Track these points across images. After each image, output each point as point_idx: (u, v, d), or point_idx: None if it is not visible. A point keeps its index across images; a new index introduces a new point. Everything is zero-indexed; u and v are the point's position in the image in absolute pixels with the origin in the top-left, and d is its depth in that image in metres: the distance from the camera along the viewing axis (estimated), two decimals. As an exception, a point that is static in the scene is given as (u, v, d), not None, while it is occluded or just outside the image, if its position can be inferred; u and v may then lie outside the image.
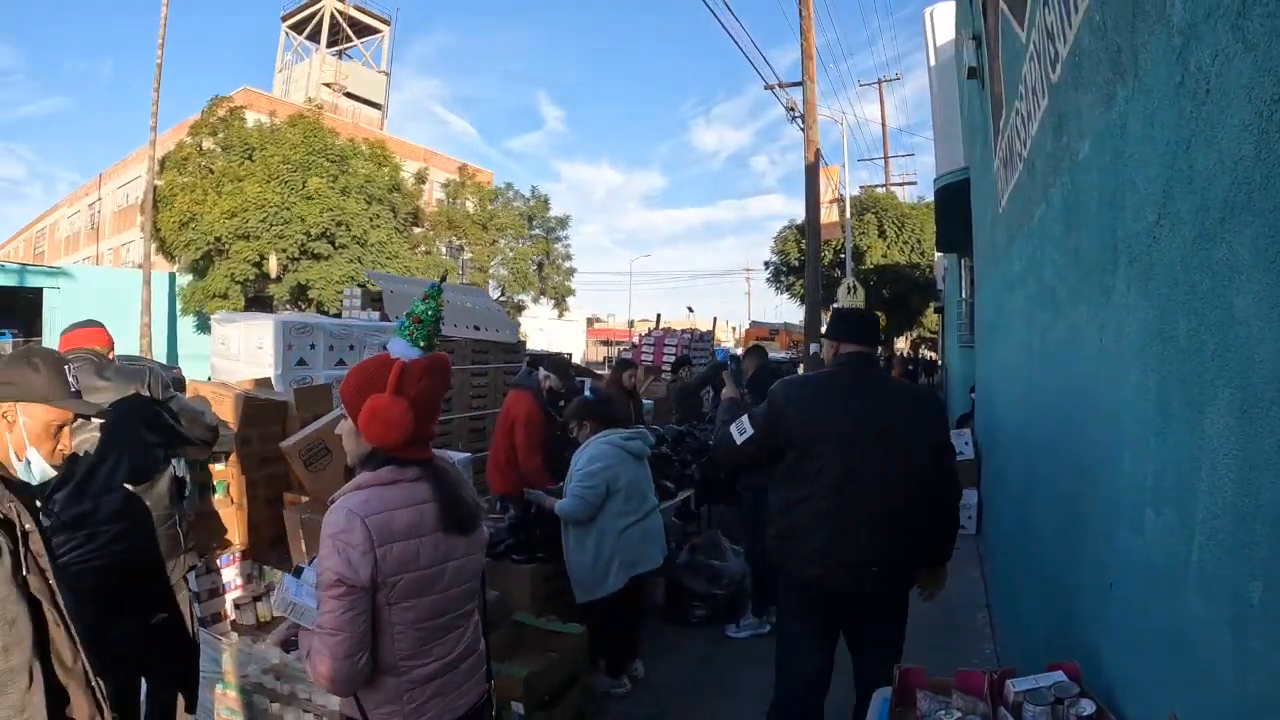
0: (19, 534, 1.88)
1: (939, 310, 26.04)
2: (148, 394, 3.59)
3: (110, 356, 3.81)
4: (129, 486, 3.40)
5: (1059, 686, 2.37)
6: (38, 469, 2.09)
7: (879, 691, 2.76)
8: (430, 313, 2.26)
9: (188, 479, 4.00)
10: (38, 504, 2.14)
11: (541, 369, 6.27)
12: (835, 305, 5.25)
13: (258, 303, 27.72)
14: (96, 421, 3.29)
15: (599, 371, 16.25)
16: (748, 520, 6.12)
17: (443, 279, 2.54)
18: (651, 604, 6.16)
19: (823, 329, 5.61)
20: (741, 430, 3.48)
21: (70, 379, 2.17)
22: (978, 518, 7.57)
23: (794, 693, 3.49)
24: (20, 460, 2.06)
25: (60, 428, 2.14)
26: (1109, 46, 2.34)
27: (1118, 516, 2.34)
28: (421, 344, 2.23)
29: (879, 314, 30.78)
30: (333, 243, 27.38)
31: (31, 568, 1.87)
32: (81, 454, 3.32)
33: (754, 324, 42.74)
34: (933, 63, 14.66)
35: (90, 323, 3.92)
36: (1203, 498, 1.67)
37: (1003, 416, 5.26)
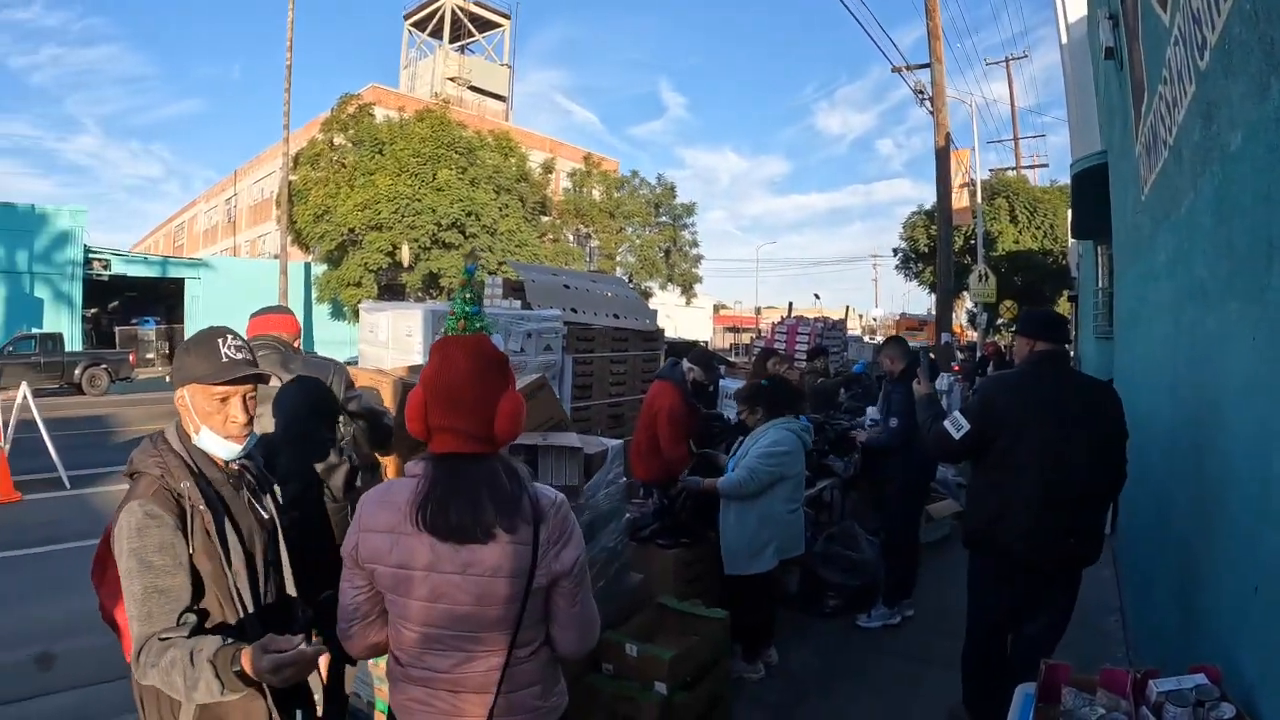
0: (188, 511, 2.08)
1: (1073, 299, 25.15)
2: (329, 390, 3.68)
3: (296, 345, 3.91)
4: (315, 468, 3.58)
5: (1201, 689, 2.33)
6: (211, 443, 2.20)
7: (1021, 687, 2.78)
8: (466, 296, 2.23)
9: (359, 467, 4.07)
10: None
11: (686, 361, 6.32)
12: (1026, 311, 5.27)
13: (390, 291, 28.63)
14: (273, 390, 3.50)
15: (732, 360, 16.23)
16: (888, 512, 6.18)
17: (471, 254, 2.41)
18: (785, 593, 6.17)
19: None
20: (959, 427, 3.93)
21: (225, 350, 2.19)
22: (1112, 517, 7.31)
23: (986, 634, 4.09)
24: (197, 436, 2.20)
25: (223, 400, 2.19)
26: (1262, 38, 2.27)
27: (1266, 517, 2.28)
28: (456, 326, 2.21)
29: (1010, 302, 30.04)
30: (463, 232, 28.04)
31: (199, 546, 2.06)
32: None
33: (904, 315, 42.42)
34: (1064, 40, 14.16)
35: (279, 309, 4.03)
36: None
37: (1142, 411, 5.09)
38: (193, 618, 2.01)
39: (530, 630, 2.01)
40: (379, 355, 6.41)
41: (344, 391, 3.74)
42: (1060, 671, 2.70)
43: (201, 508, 2.10)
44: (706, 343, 25.32)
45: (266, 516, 2.38)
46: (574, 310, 7.73)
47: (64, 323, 28.31)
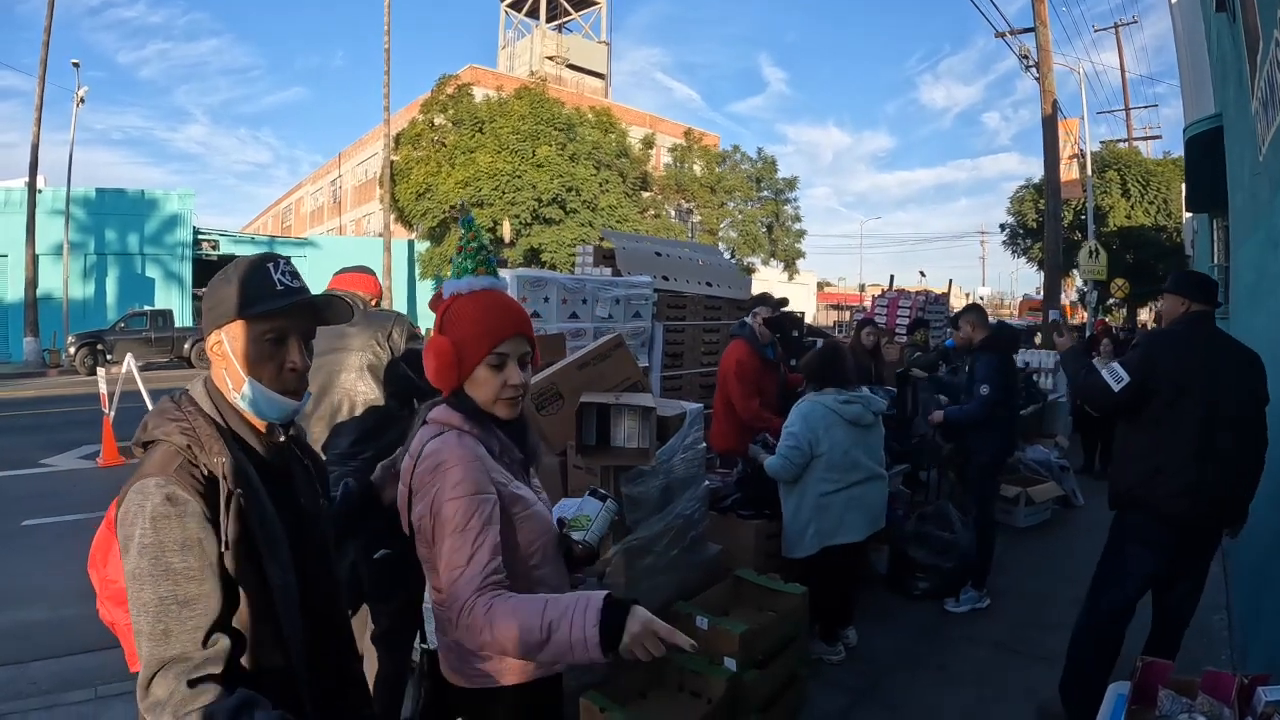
0: (222, 495, 1.56)
1: (1187, 278, 24.13)
2: (388, 341, 3.66)
3: (374, 304, 3.92)
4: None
5: (1314, 702, 2.12)
6: (261, 399, 1.69)
7: (1114, 685, 2.57)
8: (468, 246, 2.07)
9: None
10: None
11: (754, 311, 6.08)
12: (1179, 271, 5.07)
13: (492, 265, 29.03)
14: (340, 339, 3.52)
15: (832, 335, 15.99)
16: (975, 492, 5.92)
17: (462, 207, 2.24)
18: (874, 572, 6.03)
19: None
20: (1118, 379, 3.85)
21: (279, 276, 1.72)
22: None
23: (1118, 610, 3.91)
24: (239, 393, 1.69)
25: (278, 341, 1.71)
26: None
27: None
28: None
29: (1122, 280, 29.00)
30: (564, 208, 28.25)
31: (231, 543, 1.55)
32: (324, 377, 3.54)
33: (1026, 297, 42.28)
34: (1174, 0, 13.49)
35: (361, 268, 4.03)
36: None
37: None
38: (225, 640, 1.51)
39: (430, 574, 1.97)
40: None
41: (405, 341, 3.71)
42: (1158, 670, 2.50)
43: (240, 490, 1.59)
44: (802, 314, 25.10)
45: (322, 505, 1.90)
46: (665, 278, 7.58)
47: (174, 300, 29.72)
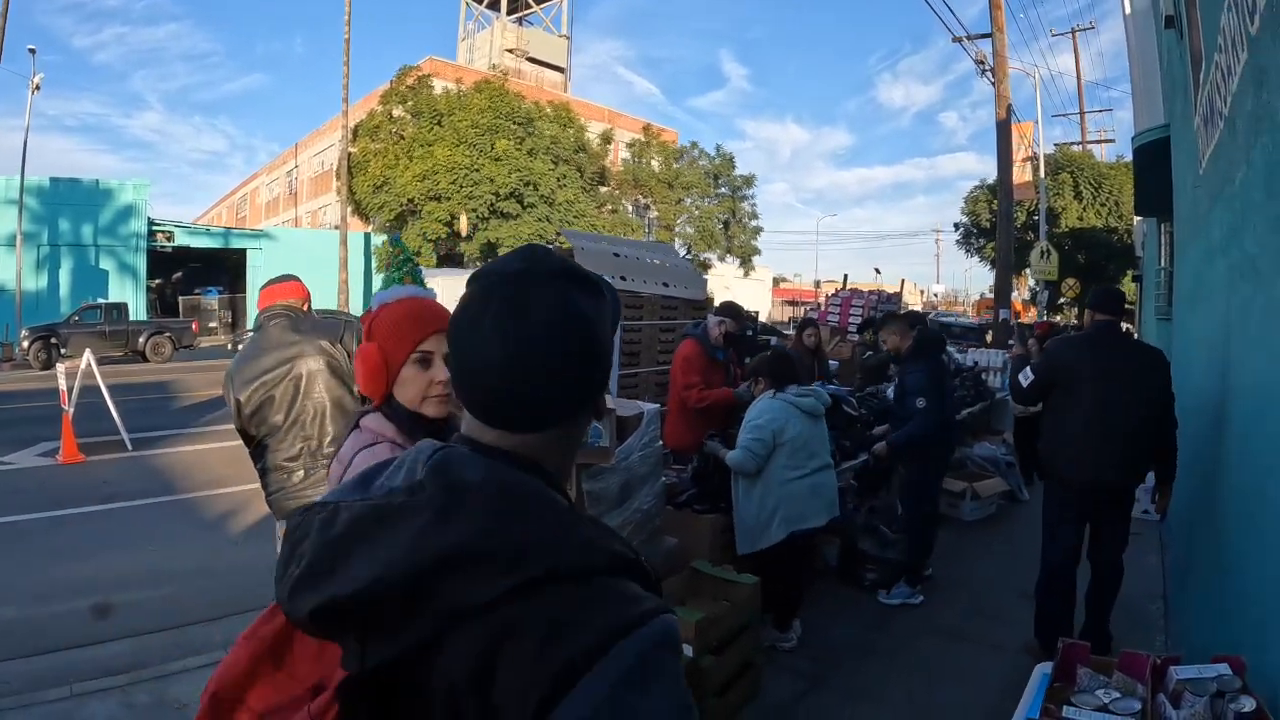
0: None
1: (1137, 279, 24.59)
2: (340, 344, 3.77)
3: (305, 309, 3.97)
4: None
5: (1222, 680, 2.31)
6: None
7: (1040, 666, 2.76)
8: (395, 261, 2.14)
9: None
10: None
11: (712, 315, 6.20)
12: (1096, 287, 5.44)
13: (449, 260, 28.91)
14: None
15: (786, 332, 16.19)
16: (906, 492, 6.10)
17: (390, 226, 2.30)
18: (825, 564, 6.18)
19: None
20: (1027, 378, 5.09)
21: None
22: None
23: (1056, 566, 4.81)
24: None
25: None
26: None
27: (1309, 509, 2.24)
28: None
29: (1073, 280, 29.47)
30: (521, 202, 28.22)
31: None
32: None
33: (982, 296, 42.78)
34: (1128, 10, 13.79)
35: (286, 278, 4.07)
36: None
37: (1195, 396, 5.02)
38: None
39: None
40: (432, 321, 6.48)
41: (355, 345, 3.78)
42: (1078, 651, 2.68)
43: None
44: (756, 314, 25.22)
45: None
46: (623, 278, 7.71)
47: (129, 293, 29.09)
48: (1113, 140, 37.79)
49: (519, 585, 0.86)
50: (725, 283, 44.13)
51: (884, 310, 11.86)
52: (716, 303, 7.06)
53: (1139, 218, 20.35)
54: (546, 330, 1.00)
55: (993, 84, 18.30)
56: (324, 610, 0.90)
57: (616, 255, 8.19)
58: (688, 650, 3.83)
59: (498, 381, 1.00)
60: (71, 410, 10.02)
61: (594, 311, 1.05)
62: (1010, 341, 14.74)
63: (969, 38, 19.24)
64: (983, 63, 18.99)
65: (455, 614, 0.86)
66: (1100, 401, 4.53)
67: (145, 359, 23.76)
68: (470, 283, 1.06)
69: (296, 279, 4.08)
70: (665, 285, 8.21)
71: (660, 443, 4.44)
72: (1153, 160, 9.69)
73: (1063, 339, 5.41)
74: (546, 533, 0.92)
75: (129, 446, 10.38)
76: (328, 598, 0.89)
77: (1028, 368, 5.20)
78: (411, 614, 0.87)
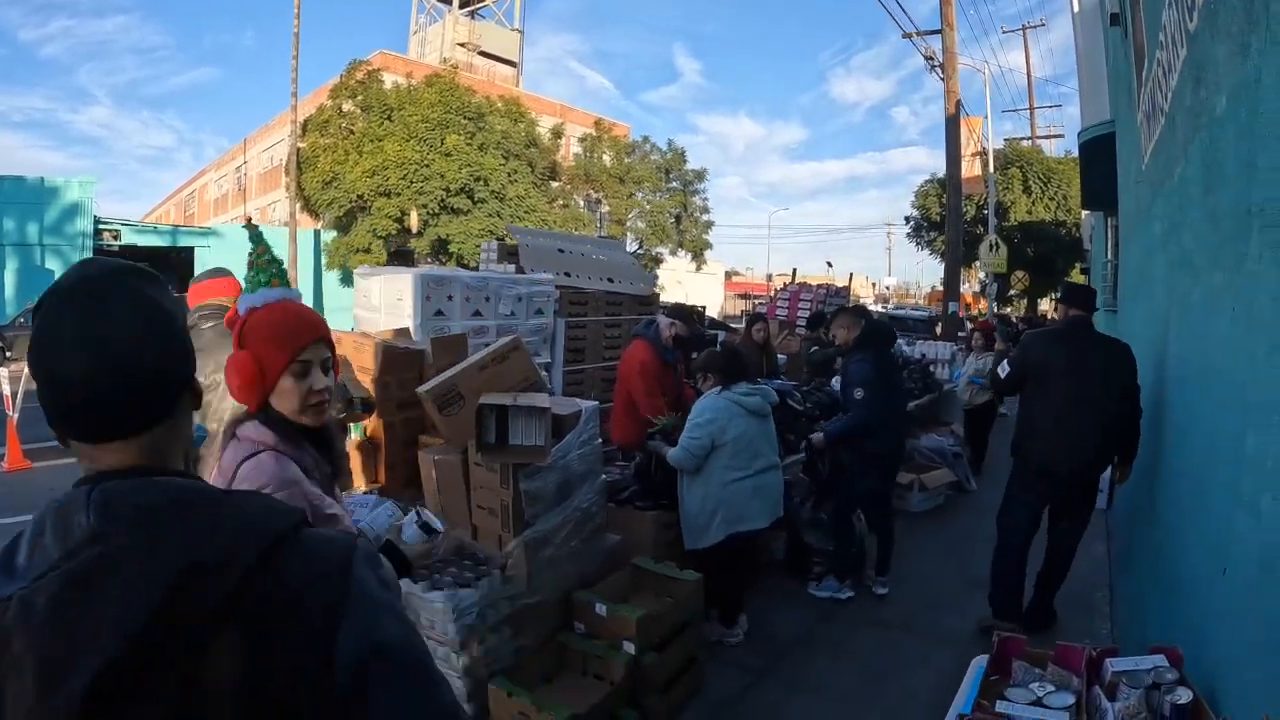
0: None
1: (1085, 271, 24.93)
2: None
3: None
4: None
5: (1158, 671, 2.29)
6: None
7: (977, 659, 2.75)
8: (259, 260, 2.10)
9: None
10: None
11: (663, 316, 6.14)
12: (1067, 283, 5.71)
13: (400, 257, 28.61)
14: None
15: (735, 325, 16.21)
16: (839, 492, 5.97)
17: (251, 226, 2.27)
18: (772, 557, 6.16)
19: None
20: (1003, 370, 5.34)
21: None
22: (1110, 492, 7.23)
23: (1013, 542, 5.11)
24: None
25: None
26: (1243, -4, 2.20)
27: (1238, 499, 2.23)
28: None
29: (1022, 273, 29.84)
30: (471, 198, 27.96)
31: None
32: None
33: (933, 289, 43.38)
34: (1076, 9, 13.96)
35: (217, 272, 3.96)
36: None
37: (1142, 388, 5.11)
38: None
39: None
40: (372, 320, 6.42)
41: None
42: (1014, 645, 2.67)
43: None
44: (706, 307, 25.29)
45: None
46: (567, 274, 7.68)
47: None
48: (1062, 135, 38.34)
49: (248, 570, 0.93)
50: (678, 277, 44.20)
51: (833, 304, 11.90)
52: (664, 298, 7.03)
53: (1086, 212, 20.62)
54: (131, 326, 1.02)
55: (943, 80, 18.42)
56: (93, 693, 0.85)
57: (561, 251, 8.15)
58: (630, 648, 3.83)
59: (98, 387, 1.00)
60: (16, 416, 9.78)
61: (168, 301, 1.09)
62: (960, 333, 14.87)
63: (919, 34, 19.35)
64: (932, 59, 19.12)
65: (210, 622, 0.89)
66: (1069, 395, 4.78)
67: (91, 361, 23.07)
68: (39, 305, 1.04)
69: (228, 274, 3.95)
70: (610, 281, 8.16)
71: (599, 440, 4.38)
72: (1098, 155, 9.82)
73: (1037, 333, 5.53)
74: (246, 518, 0.99)
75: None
76: (90, 680, 0.85)
77: (1005, 361, 5.45)
78: (169, 647, 0.88)
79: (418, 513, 2.21)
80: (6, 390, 10.01)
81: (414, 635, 1.06)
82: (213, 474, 2.01)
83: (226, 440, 2.01)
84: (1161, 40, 4.08)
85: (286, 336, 1.98)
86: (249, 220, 2.78)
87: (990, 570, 5.24)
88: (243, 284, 2.08)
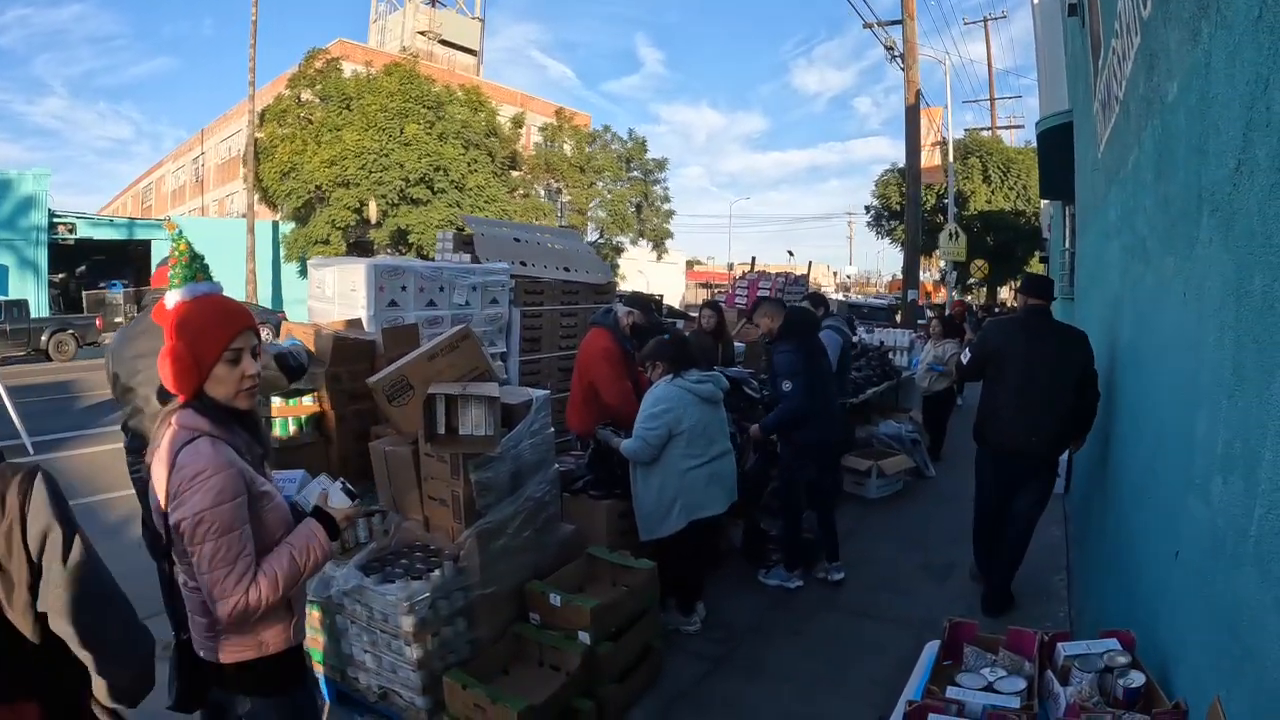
0: None
1: (1044, 260, 25.17)
2: None
3: None
4: None
5: (1110, 655, 2.29)
6: None
7: (930, 644, 2.74)
8: (180, 257, 2.21)
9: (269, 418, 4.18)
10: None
11: (621, 304, 6.09)
12: (1027, 274, 6.09)
13: (359, 248, 28.36)
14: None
15: (693, 314, 16.18)
16: (782, 475, 5.97)
17: (167, 220, 2.40)
18: (730, 545, 6.15)
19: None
20: (966, 358, 5.71)
21: None
22: (1067, 477, 7.31)
23: (984, 512, 5.52)
24: None
25: None
26: (1194, -19, 2.20)
27: (1189, 482, 2.23)
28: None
29: (982, 262, 30.07)
30: (431, 188, 27.75)
31: None
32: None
33: (894, 277, 44.02)
34: (1036, 0, 14.08)
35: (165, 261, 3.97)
36: (1266, 468, 1.56)
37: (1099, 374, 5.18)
38: None
39: (186, 568, 2.08)
40: (326, 310, 6.32)
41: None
42: (965, 630, 2.67)
43: None
44: (663, 296, 25.30)
45: None
46: (523, 264, 7.61)
47: (30, 289, 27.46)
48: (1021, 126, 38.76)
49: None
50: (639, 266, 44.14)
51: (792, 292, 11.92)
52: (625, 287, 6.97)
53: (1045, 201, 20.80)
54: None
55: (903, 70, 18.51)
56: None
57: (517, 240, 8.08)
58: (585, 638, 3.80)
59: None
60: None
61: None
62: (920, 321, 14.96)
63: (880, 24, 19.43)
64: (893, 49, 19.23)
65: None
66: (1025, 380, 5.04)
67: (48, 358, 22.47)
68: None
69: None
70: (567, 270, 8.10)
71: (551, 429, 4.35)
72: (1056, 144, 9.87)
73: (996, 321, 5.96)
74: None
75: (30, 451, 9.82)
76: None
77: (966, 349, 5.97)
78: None
79: (342, 481, 2.41)
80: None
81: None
82: (153, 457, 2.10)
83: (163, 427, 2.10)
84: (1117, 29, 4.10)
85: (219, 328, 2.12)
86: (168, 220, 2.87)
87: (973, 536, 5.70)
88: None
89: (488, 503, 3.85)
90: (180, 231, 2.27)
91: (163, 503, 2.05)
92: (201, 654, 2.16)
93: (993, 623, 2.88)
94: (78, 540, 1.84)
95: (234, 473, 2.04)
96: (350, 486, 2.38)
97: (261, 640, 2.16)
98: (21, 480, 1.82)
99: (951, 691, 2.33)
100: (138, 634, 1.99)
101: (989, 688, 2.35)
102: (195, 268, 2.19)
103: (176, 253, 2.21)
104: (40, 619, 1.81)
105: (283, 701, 2.25)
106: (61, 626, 1.80)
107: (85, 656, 1.85)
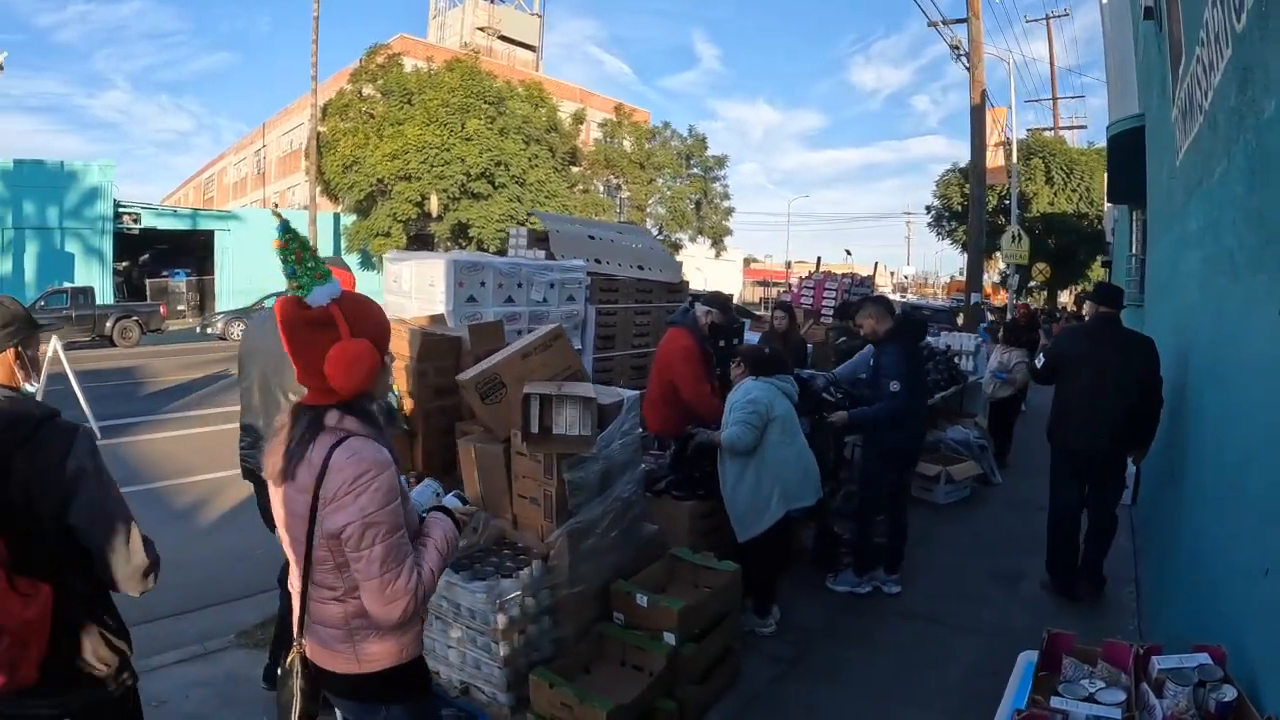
0: None
1: (1106, 264, 24.72)
2: None
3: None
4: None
5: (1204, 669, 2.32)
6: None
7: (1024, 654, 2.79)
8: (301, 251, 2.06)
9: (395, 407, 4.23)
10: None
11: (700, 304, 6.12)
12: (1099, 282, 6.14)
13: (419, 241, 28.70)
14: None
15: (758, 313, 16.17)
16: (862, 482, 5.96)
17: (274, 210, 2.37)
18: (801, 548, 6.17)
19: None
20: (1040, 362, 6.07)
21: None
22: (1134, 489, 7.28)
23: (1060, 514, 5.72)
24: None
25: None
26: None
27: (1283, 502, 2.25)
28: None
29: (1043, 265, 29.66)
30: (492, 182, 28.00)
31: None
32: None
33: (952, 278, 43.78)
34: (1105, 0, 13.86)
35: (333, 260, 4.00)
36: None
37: (1166, 384, 5.13)
38: None
39: (328, 575, 2.09)
40: (402, 305, 6.42)
41: None
42: (1063, 641, 2.70)
43: None
44: (732, 296, 25.35)
45: None
46: (598, 261, 7.70)
47: (95, 277, 28.24)
48: (1085, 126, 38.10)
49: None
50: (696, 264, 44.11)
51: (858, 293, 11.89)
52: (697, 286, 7.04)
53: (1110, 204, 20.47)
54: None
55: (967, 69, 18.36)
56: None
57: (592, 238, 8.17)
58: (670, 638, 3.86)
59: None
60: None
61: None
62: (982, 324, 14.86)
63: (945, 23, 19.28)
64: (957, 47, 19.06)
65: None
66: (1093, 385, 5.36)
67: (113, 344, 23.11)
68: None
69: (345, 267, 3.94)
70: (641, 268, 8.18)
71: (640, 430, 4.41)
72: (1127, 149, 9.75)
73: (1068, 328, 6.60)
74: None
75: (98, 435, 10.02)
76: None
77: (1041, 354, 6.40)
78: None
79: (455, 492, 2.57)
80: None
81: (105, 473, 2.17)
82: (282, 460, 2.10)
83: (312, 431, 2.07)
84: (1202, 38, 4.06)
85: (386, 328, 2.18)
86: (275, 209, 2.84)
87: (1046, 539, 5.82)
88: (286, 273, 2.05)
89: (578, 502, 3.92)
90: (286, 222, 2.08)
91: (307, 507, 2.02)
92: (327, 666, 2.16)
93: (1085, 634, 2.86)
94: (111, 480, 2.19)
95: (394, 472, 2.04)
96: (461, 492, 2.51)
97: (402, 646, 2.17)
98: (68, 430, 2.12)
99: (1055, 701, 2.38)
100: (146, 545, 2.22)
101: (1090, 698, 2.39)
102: (320, 261, 2.08)
103: (295, 247, 2.06)
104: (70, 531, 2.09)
105: (423, 706, 2.29)
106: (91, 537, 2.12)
107: (107, 555, 2.14)
